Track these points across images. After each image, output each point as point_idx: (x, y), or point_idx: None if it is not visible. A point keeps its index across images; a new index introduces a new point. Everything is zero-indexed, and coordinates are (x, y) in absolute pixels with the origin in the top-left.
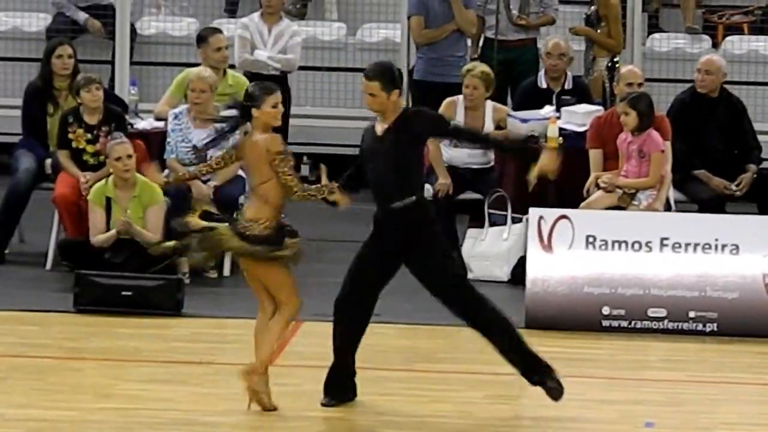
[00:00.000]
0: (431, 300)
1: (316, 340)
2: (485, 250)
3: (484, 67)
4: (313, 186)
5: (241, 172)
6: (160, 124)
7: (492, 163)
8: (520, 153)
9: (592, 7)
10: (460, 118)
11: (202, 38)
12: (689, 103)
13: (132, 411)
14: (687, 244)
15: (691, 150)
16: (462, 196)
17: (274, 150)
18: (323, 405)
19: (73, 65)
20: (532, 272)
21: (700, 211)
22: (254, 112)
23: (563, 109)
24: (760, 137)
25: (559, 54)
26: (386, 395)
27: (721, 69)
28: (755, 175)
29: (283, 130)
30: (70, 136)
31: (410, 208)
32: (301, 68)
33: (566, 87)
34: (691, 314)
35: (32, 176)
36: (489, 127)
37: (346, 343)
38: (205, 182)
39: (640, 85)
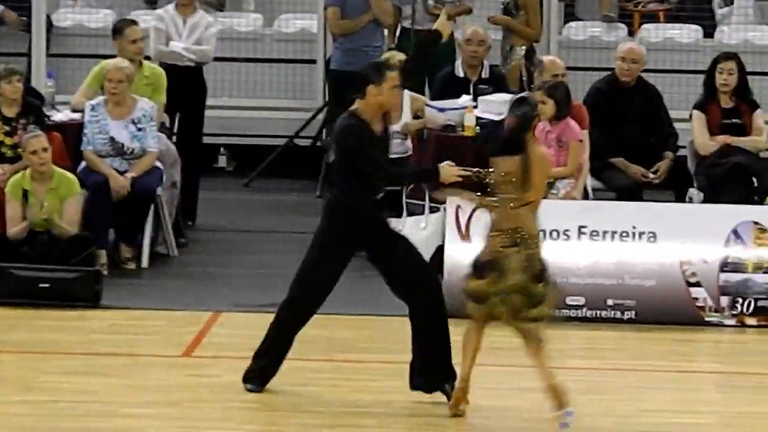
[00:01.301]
0: (350, 290)
1: (235, 330)
2: None
3: (401, 56)
4: None
5: (158, 164)
6: (77, 115)
7: (409, 153)
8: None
9: None
10: None
11: (117, 30)
12: (606, 91)
13: (53, 403)
14: (605, 232)
15: (608, 138)
16: None
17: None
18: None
19: None
20: (450, 261)
21: (618, 198)
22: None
23: (480, 98)
24: (677, 125)
25: (478, 41)
26: (306, 385)
27: (643, 57)
28: (672, 163)
29: (198, 121)
30: None
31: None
32: (219, 59)
33: (483, 76)
34: (610, 302)
35: None
36: (407, 116)
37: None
38: (122, 173)
39: (562, 75)
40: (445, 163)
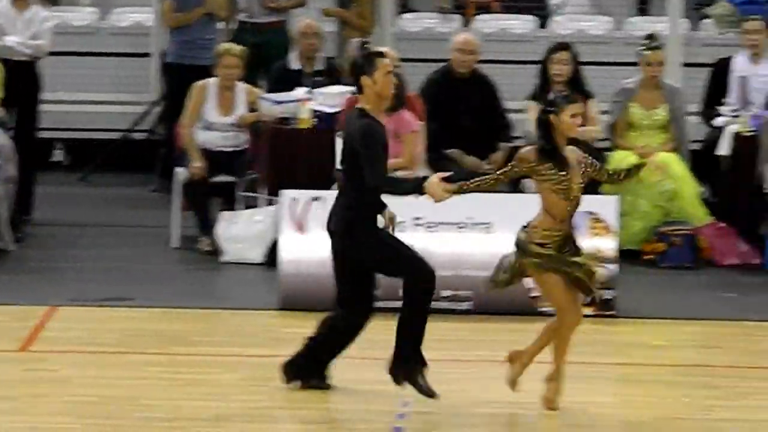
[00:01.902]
0: (185, 283)
1: (72, 324)
2: (239, 233)
3: (238, 48)
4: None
5: None
6: None
7: (245, 146)
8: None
9: None
10: (212, 101)
11: None
12: (441, 82)
13: None
14: (440, 223)
15: (443, 129)
16: (215, 179)
17: (586, 161)
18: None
19: None
20: (285, 253)
21: None
22: (552, 119)
23: (315, 90)
24: (512, 115)
25: (313, 33)
26: (141, 379)
27: (479, 48)
28: (507, 153)
29: (34, 116)
30: None
31: None
32: (54, 53)
33: (318, 68)
34: (446, 293)
35: None
36: (241, 109)
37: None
38: None
39: (396, 66)
40: (435, 176)
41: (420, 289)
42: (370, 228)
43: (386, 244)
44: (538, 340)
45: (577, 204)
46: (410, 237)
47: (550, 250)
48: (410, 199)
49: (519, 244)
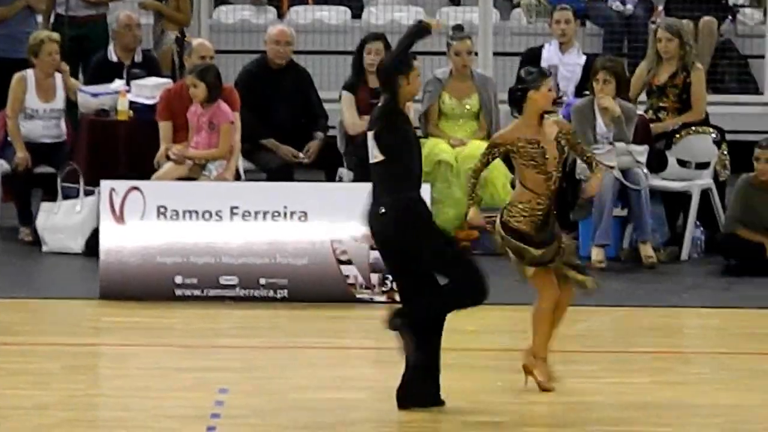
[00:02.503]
0: (6, 273)
1: None
2: (59, 223)
3: (55, 35)
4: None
5: None
6: None
7: (64, 138)
8: None
9: None
10: (32, 90)
11: None
12: (257, 73)
13: None
14: (257, 213)
15: (259, 120)
16: (36, 170)
17: (566, 128)
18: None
19: None
20: (105, 243)
21: (269, 179)
22: (532, 94)
23: (133, 82)
24: (326, 105)
25: (134, 25)
26: None
27: (294, 39)
28: (322, 143)
29: None
30: None
31: None
32: None
33: (136, 60)
34: (263, 281)
35: None
36: (61, 95)
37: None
38: None
39: (211, 57)
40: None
41: (469, 301)
42: (427, 217)
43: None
44: (537, 330)
45: (557, 179)
46: (228, 226)
47: (529, 227)
48: (228, 190)
49: (500, 230)
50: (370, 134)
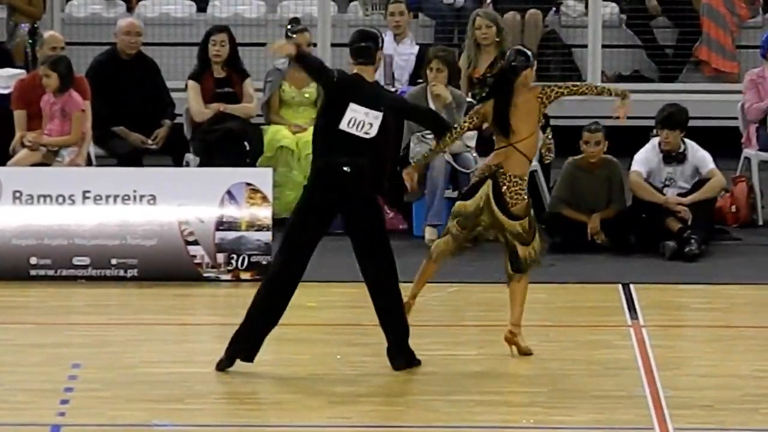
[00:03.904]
0: None
1: None
2: None
3: None
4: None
5: None
6: None
7: None
8: None
9: None
10: None
11: None
12: (107, 64)
13: None
14: (108, 196)
15: (110, 108)
16: None
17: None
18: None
19: None
20: None
21: (120, 164)
22: (528, 72)
23: None
24: (173, 94)
25: None
26: None
27: (143, 31)
28: (170, 130)
29: None
30: None
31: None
32: None
33: None
34: (114, 261)
35: None
36: None
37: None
38: None
39: (62, 48)
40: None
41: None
42: None
43: None
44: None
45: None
46: (80, 209)
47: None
48: (80, 175)
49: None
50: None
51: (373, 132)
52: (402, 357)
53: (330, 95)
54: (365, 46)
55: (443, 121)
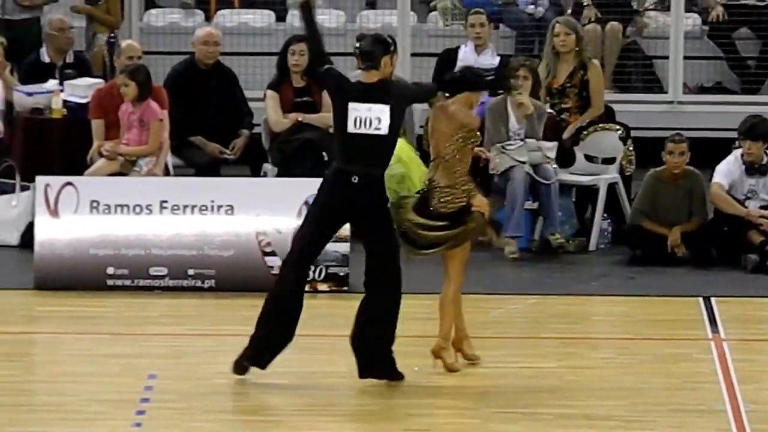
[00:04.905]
0: None
1: None
2: None
3: (3, 39)
4: None
5: None
6: None
7: (1, 135)
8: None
9: None
10: None
11: None
12: (185, 73)
13: None
14: (185, 206)
15: (187, 118)
16: None
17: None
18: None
19: None
20: (39, 236)
21: (197, 174)
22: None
23: (66, 82)
24: (251, 104)
25: (67, 28)
26: None
27: (221, 40)
28: (247, 140)
29: None
30: None
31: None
32: None
33: (68, 61)
34: (191, 272)
35: None
36: (1, 98)
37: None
38: None
39: (139, 58)
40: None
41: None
42: None
43: None
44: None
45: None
46: (158, 219)
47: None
48: (158, 185)
49: None
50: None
51: (384, 127)
52: (381, 368)
53: (331, 98)
54: (369, 51)
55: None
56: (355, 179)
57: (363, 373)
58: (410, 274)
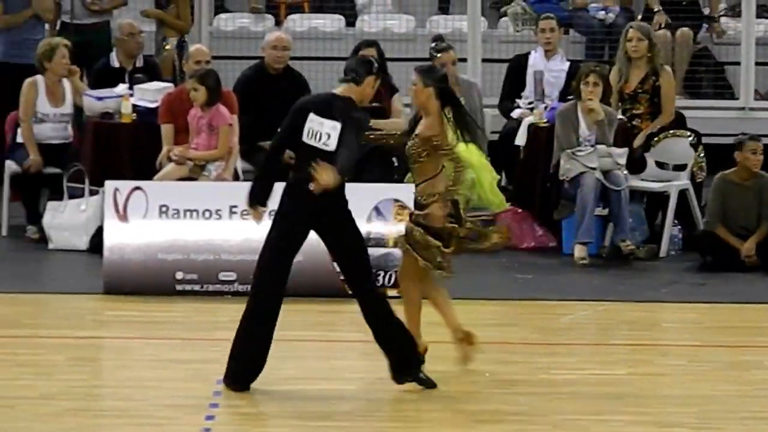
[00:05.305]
0: (13, 269)
1: None
2: (64, 222)
3: (67, 41)
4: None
5: None
6: None
7: (71, 139)
8: None
9: None
10: (43, 94)
11: None
12: (255, 78)
13: None
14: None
15: (257, 123)
16: (44, 171)
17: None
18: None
19: None
20: (109, 241)
21: None
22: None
23: (136, 86)
24: None
25: (137, 33)
26: None
27: (291, 45)
28: None
29: None
30: None
31: None
32: None
33: (138, 65)
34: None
35: None
36: (69, 102)
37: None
38: None
39: (207, 62)
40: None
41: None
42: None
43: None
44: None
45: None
46: (227, 224)
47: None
48: (227, 190)
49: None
50: (334, 123)
51: (332, 144)
52: (405, 372)
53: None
54: (355, 67)
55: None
56: (311, 186)
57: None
58: (476, 281)
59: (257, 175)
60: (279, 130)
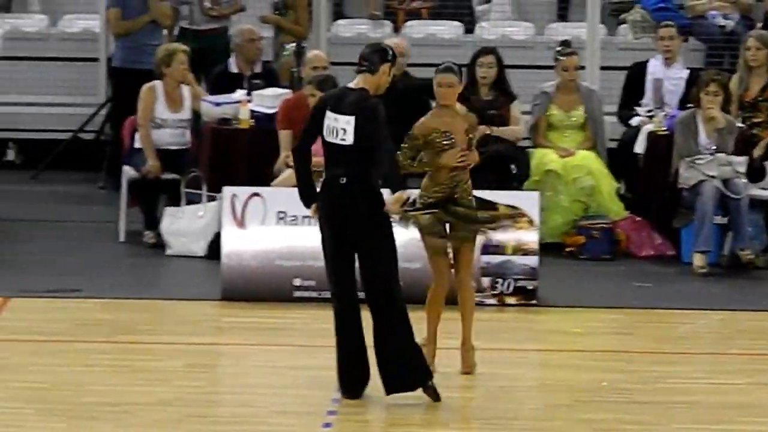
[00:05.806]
0: (131, 275)
1: (23, 315)
2: (183, 227)
3: (184, 47)
4: None
5: None
6: None
7: (188, 145)
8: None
9: None
10: (162, 100)
11: None
12: None
13: None
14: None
15: None
16: (162, 176)
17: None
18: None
19: None
20: (226, 247)
21: (384, 186)
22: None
23: (254, 92)
24: None
25: (257, 38)
26: (88, 366)
27: (409, 52)
28: None
29: None
30: None
31: None
32: (6, 58)
33: (256, 71)
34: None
35: None
36: (188, 108)
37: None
38: None
39: (325, 68)
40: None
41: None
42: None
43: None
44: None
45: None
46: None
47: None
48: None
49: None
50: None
51: (349, 138)
52: (400, 380)
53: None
54: (369, 56)
55: (391, 169)
56: (343, 180)
57: (389, 388)
58: (594, 289)
59: (297, 178)
60: (303, 130)
